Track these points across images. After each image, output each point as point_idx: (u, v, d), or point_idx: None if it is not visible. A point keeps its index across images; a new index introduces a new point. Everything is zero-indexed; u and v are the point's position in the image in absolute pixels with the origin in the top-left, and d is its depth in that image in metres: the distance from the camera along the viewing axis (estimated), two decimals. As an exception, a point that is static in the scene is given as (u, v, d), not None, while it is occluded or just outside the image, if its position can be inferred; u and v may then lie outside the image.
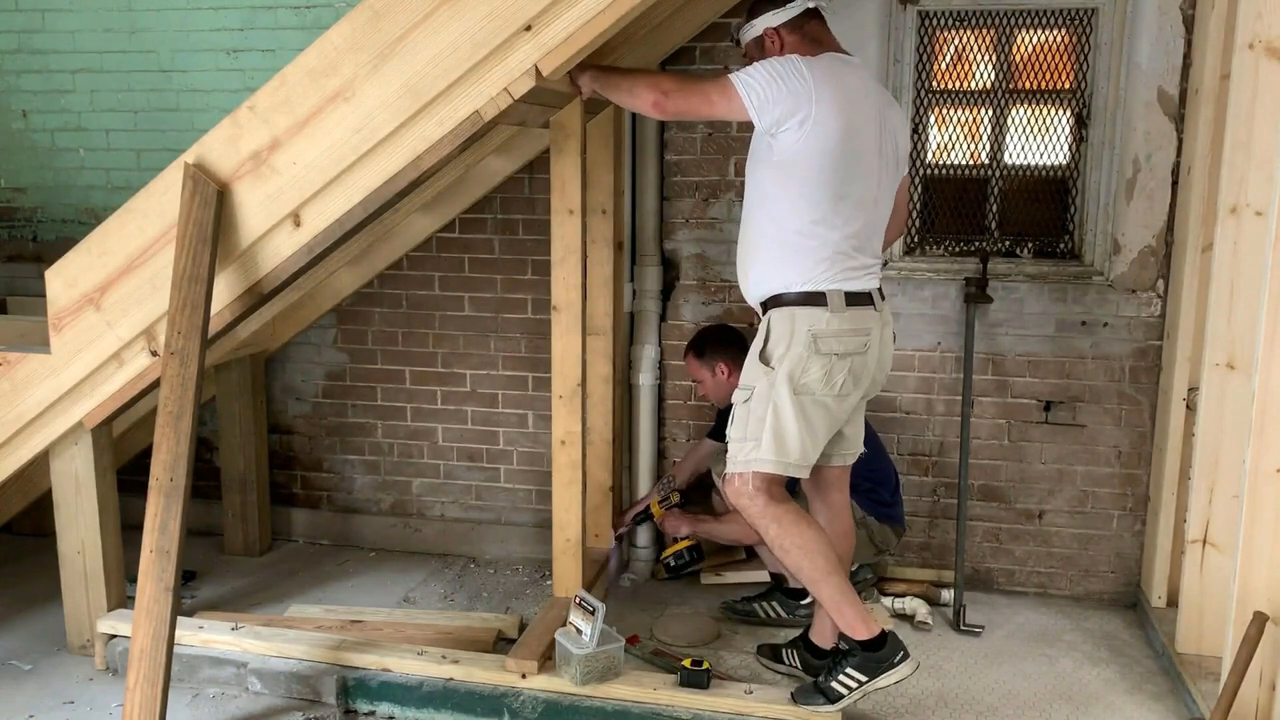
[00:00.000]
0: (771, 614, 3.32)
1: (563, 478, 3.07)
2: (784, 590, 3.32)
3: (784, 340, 2.50)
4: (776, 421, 2.49)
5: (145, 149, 3.92)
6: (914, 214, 3.55)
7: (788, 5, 2.59)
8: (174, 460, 2.58)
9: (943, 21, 3.44)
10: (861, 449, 2.78)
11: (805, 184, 2.46)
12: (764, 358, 2.53)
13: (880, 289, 2.63)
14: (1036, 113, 3.46)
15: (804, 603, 3.26)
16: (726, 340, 3.37)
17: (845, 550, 2.82)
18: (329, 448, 4.04)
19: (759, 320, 2.63)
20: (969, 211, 3.55)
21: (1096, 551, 3.54)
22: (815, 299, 2.49)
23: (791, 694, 2.65)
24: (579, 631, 2.76)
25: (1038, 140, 3.47)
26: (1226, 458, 2.92)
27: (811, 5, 2.60)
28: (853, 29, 3.34)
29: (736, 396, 2.59)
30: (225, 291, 2.80)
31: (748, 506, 2.55)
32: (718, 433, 3.51)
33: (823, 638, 2.85)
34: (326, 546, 4.05)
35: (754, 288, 2.61)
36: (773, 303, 2.55)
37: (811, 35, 2.60)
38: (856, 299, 2.53)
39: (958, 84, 3.50)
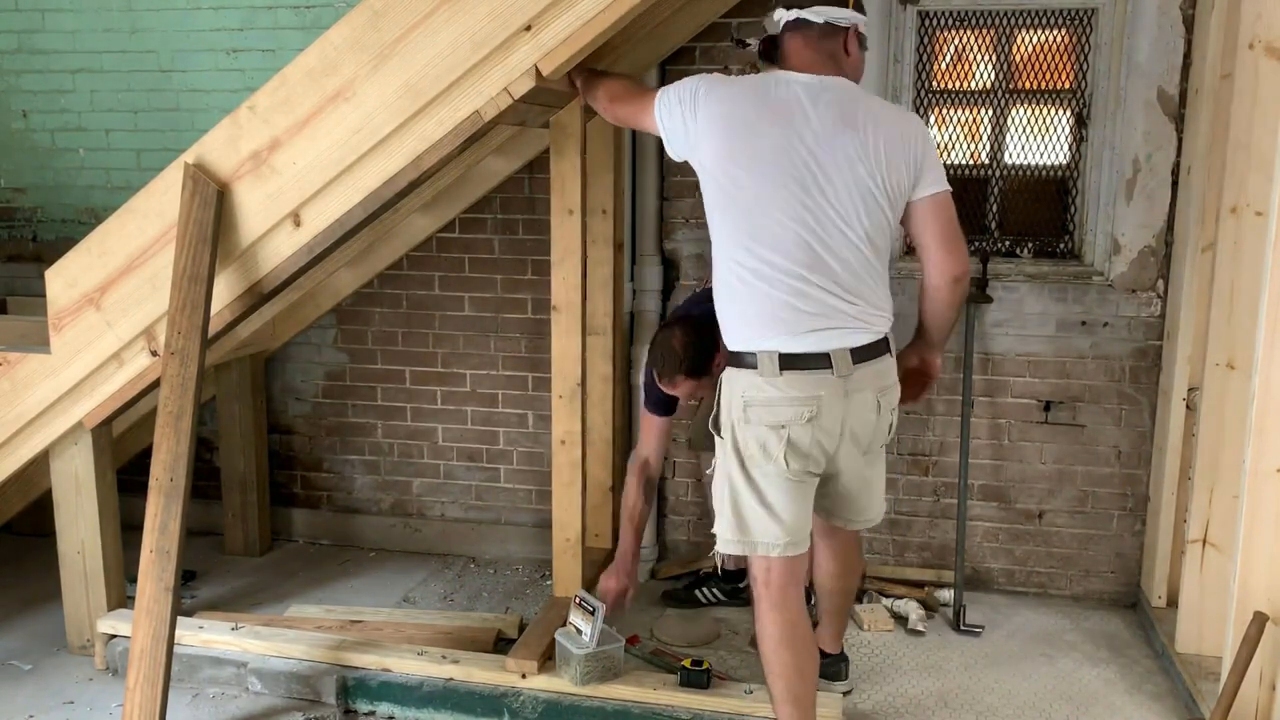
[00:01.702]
0: (711, 598, 3.43)
1: (563, 478, 3.07)
2: (722, 574, 3.42)
3: (725, 405, 2.30)
4: (732, 496, 2.29)
5: (145, 149, 3.92)
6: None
7: (774, 19, 2.34)
8: (174, 460, 2.58)
9: (943, 21, 3.44)
10: (881, 511, 2.52)
11: (722, 229, 2.26)
12: (715, 425, 2.33)
13: (864, 348, 2.25)
14: (1036, 113, 3.46)
15: (742, 585, 3.36)
16: (702, 334, 2.71)
17: (851, 584, 2.78)
18: (329, 448, 4.04)
19: None
20: (969, 211, 3.55)
21: (1096, 551, 3.54)
22: (748, 360, 2.24)
23: None
24: (579, 631, 2.76)
25: (1038, 140, 3.47)
26: (1226, 458, 2.92)
27: (792, 18, 2.31)
28: (853, 29, 3.34)
29: (709, 467, 2.42)
30: (225, 291, 2.80)
31: (751, 584, 2.36)
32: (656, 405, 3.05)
33: (824, 643, 2.84)
34: (326, 546, 4.04)
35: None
36: (728, 360, 2.33)
37: (787, 49, 2.34)
38: (802, 361, 2.20)
39: (958, 84, 3.50)
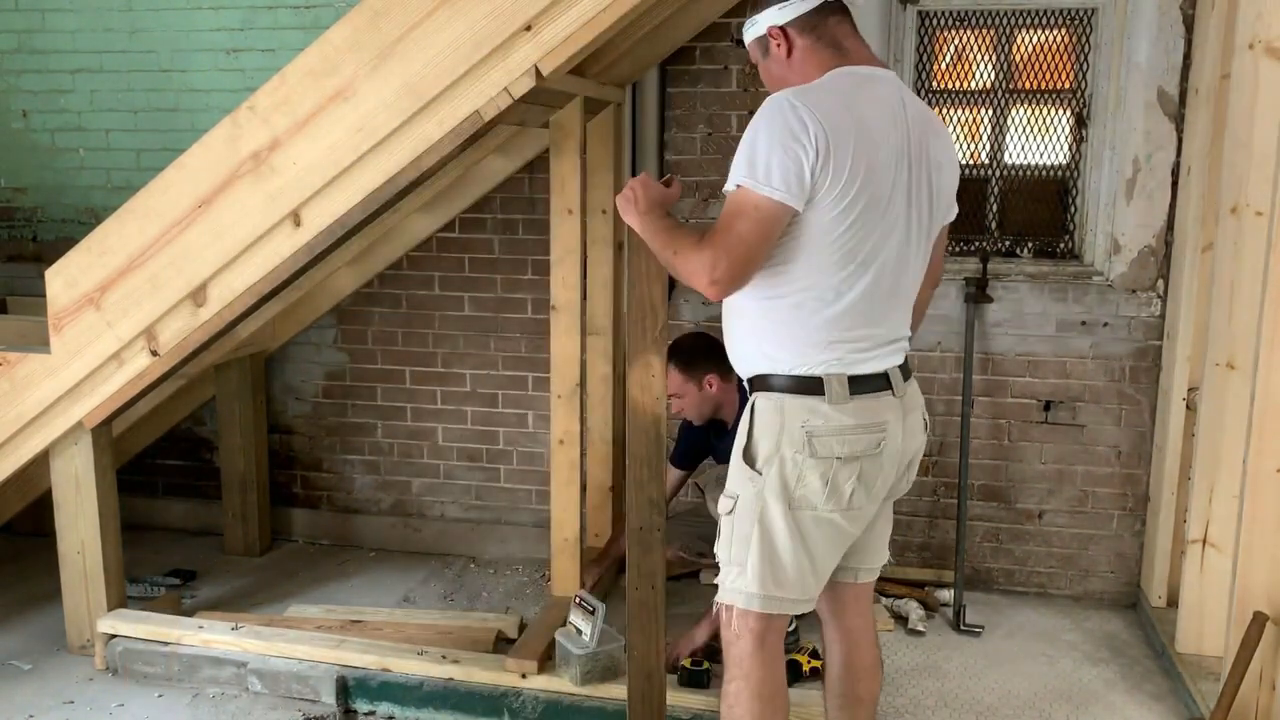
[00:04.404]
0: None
1: (561, 477, 3.08)
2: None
3: (770, 436, 1.95)
4: (766, 544, 1.96)
5: (145, 149, 3.92)
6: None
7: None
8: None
9: (943, 21, 3.44)
10: (887, 556, 2.24)
11: (807, 247, 1.90)
12: (748, 457, 1.98)
13: (905, 364, 2.06)
14: (1036, 113, 3.46)
15: None
16: (715, 350, 2.92)
17: (873, 690, 2.26)
18: (329, 448, 4.04)
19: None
20: (969, 211, 3.55)
21: (1096, 551, 3.54)
22: (810, 386, 1.94)
23: None
24: (579, 631, 2.76)
25: (1038, 140, 3.47)
26: (1226, 458, 2.92)
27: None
28: (853, 29, 3.34)
29: (721, 506, 2.04)
30: (225, 291, 2.79)
31: (731, 643, 2.05)
32: (680, 457, 3.34)
33: None
34: (326, 546, 4.04)
35: (738, 363, 2.10)
36: (759, 384, 2.01)
37: (831, 39, 2.01)
38: (867, 384, 1.96)
39: (958, 84, 3.50)
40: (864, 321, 1.96)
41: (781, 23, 2.01)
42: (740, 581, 2.00)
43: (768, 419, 1.97)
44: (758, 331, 2.00)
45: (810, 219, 1.88)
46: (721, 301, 2.02)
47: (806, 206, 1.86)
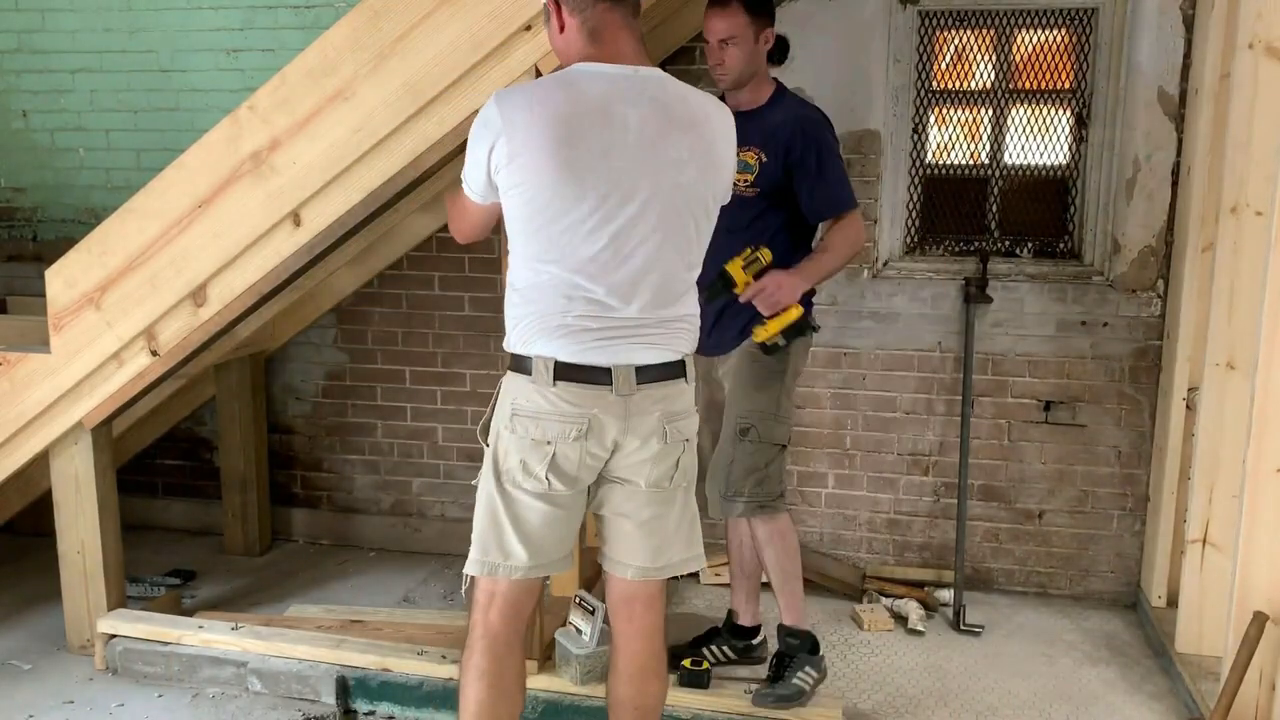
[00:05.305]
0: (720, 657, 3.02)
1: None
2: (732, 629, 3.05)
3: (496, 411, 2.07)
4: (479, 509, 2.09)
5: (145, 149, 3.92)
6: (913, 214, 3.55)
7: None
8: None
9: (943, 21, 3.44)
10: (667, 562, 2.15)
11: (512, 219, 1.95)
12: (483, 431, 2.12)
13: (653, 366, 1.99)
14: (1036, 113, 3.46)
15: (755, 642, 3.05)
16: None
17: (635, 697, 2.23)
18: (329, 448, 4.04)
19: None
20: (969, 211, 3.55)
21: (1096, 551, 3.54)
22: (521, 364, 1.99)
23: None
24: (579, 631, 2.76)
25: (1038, 140, 3.47)
26: (1226, 458, 2.92)
27: None
28: (853, 29, 3.35)
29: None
30: (225, 291, 2.80)
31: (470, 608, 2.11)
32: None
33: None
34: (326, 546, 4.04)
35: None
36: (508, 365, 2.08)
37: (592, 26, 1.92)
38: (580, 373, 1.94)
39: (958, 84, 3.50)
40: (589, 304, 1.94)
41: None
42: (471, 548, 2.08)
43: (500, 395, 2.06)
44: (507, 313, 2.05)
45: (514, 194, 1.92)
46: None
47: (510, 178, 1.90)
